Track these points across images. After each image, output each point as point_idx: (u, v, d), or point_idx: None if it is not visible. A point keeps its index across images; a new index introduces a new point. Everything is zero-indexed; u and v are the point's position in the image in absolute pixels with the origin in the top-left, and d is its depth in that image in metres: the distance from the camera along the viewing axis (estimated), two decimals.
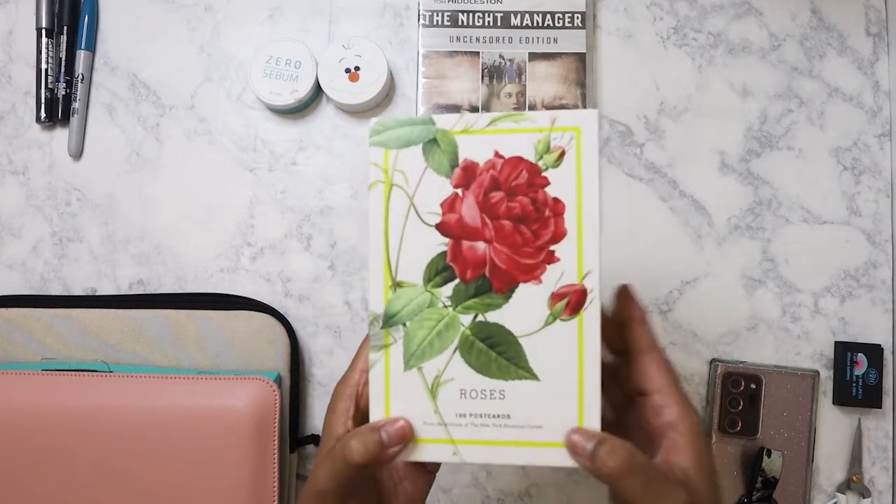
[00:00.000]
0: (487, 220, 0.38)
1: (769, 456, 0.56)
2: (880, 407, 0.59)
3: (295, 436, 0.58)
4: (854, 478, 0.59)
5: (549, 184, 0.38)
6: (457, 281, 0.38)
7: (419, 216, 0.38)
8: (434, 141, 0.38)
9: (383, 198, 0.39)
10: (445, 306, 0.38)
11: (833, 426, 0.60)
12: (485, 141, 0.38)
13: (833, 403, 0.60)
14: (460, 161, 0.38)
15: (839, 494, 0.59)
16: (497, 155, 0.38)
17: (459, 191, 0.38)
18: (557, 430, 0.38)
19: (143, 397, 0.54)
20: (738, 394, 0.59)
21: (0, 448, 0.53)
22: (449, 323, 0.38)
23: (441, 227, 0.38)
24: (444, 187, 0.38)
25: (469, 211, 0.38)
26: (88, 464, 0.53)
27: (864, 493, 0.59)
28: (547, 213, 0.38)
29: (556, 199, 0.38)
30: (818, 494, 0.60)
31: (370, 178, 0.39)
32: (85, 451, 0.53)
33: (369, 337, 0.39)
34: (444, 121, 0.38)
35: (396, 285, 0.39)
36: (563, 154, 0.38)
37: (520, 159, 0.38)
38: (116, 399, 0.54)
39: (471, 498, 0.60)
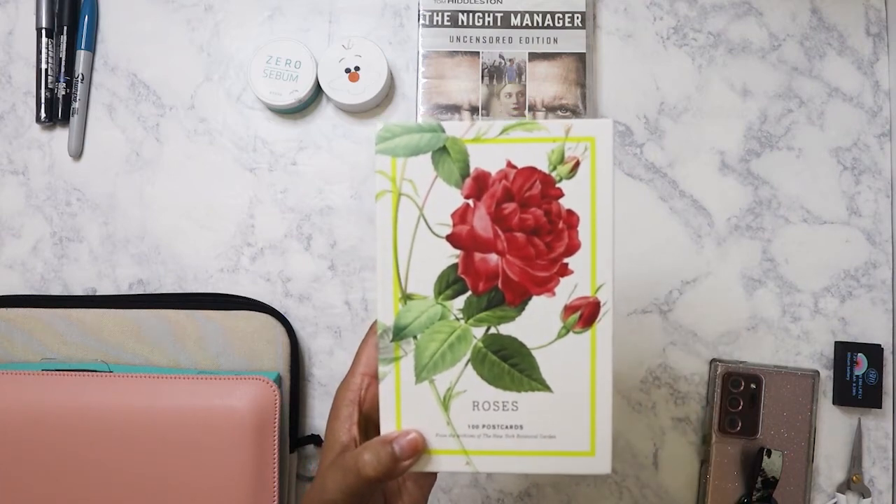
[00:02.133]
0: (500, 232, 0.38)
1: (769, 456, 0.56)
2: (880, 407, 0.59)
3: (295, 436, 0.58)
4: (854, 478, 0.59)
5: (562, 195, 0.37)
6: (468, 293, 0.38)
7: (429, 227, 0.38)
8: (444, 149, 0.38)
9: (391, 208, 0.38)
10: (457, 319, 0.38)
11: (833, 426, 0.60)
12: (497, 150, 0.37)
13: (833, 403, 0.60)
14: (471, 170, 0.37)
15: (839, 494, 0.59)
16: (509, 165, 0.37)
17: (471, 201, 0.38)
18: (570, 440, 0.38)
19: (143, 397, 0.54)
20: (738, 394, 0.59)
21: (0, 448, 0.53)
22: (461, 336, 0.38)
23: (452, 239, 0.38)
24: (455, 197, 0.38)
25: (481, 222, 0.38)
26: (88, 464, 0.53)
27: (864, 493, 0.59)
28: (561, 225, 0.37)
29: (570, 211, 0.37)
30: (818, 494, 0.60)
31: (377, 186, 0.38)
32: (85, 451, 0.53)
33: (378, 349, 0.39)
34: (455, 128, 0.38)
35: (406, 297, 0.38)
36: (577, 165, 0.37)
37: (533, 170, 0.37)
38: (116, 399, 0.54)
39: (471, 498, 0.60)
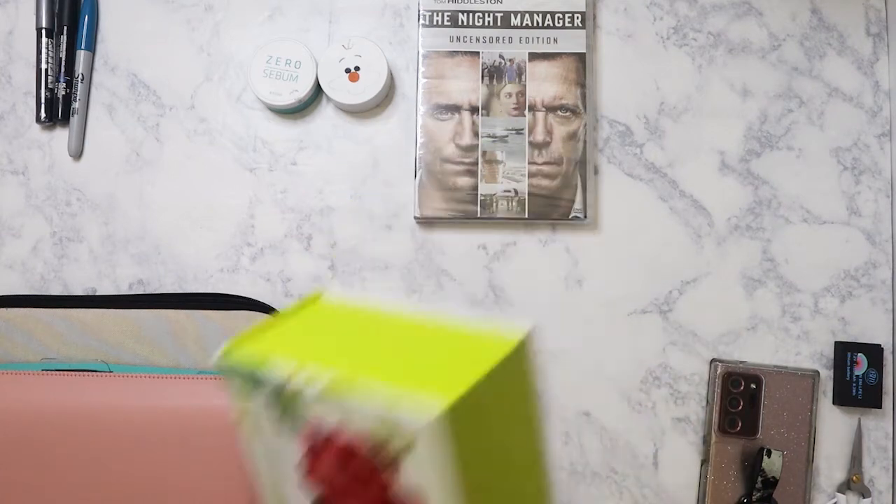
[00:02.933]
0: None
1: (769, 456, 0.56)
2: (880, 407, 0.59)
3: None
4: (854, 478, 0.59)
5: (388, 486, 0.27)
6: None
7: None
8: (272, 402, 0.30)
9: (248, 435, 0.32)
10: None
11: (833, 426, 0.60)
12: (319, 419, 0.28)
13: (833, 403, 0.60)
14: (299, 432, 0.29)
15: (839, 494, 0.59)
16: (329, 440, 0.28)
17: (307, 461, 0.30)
18: None
19: (143, 397, 0.54)
20: (738, 394, 0.59)
21: (0, 448, 0.53)
22: None
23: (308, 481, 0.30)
24: (294, 450, 0.30)
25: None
26: (88, 464, 0.53)
27: (864, 493, 0.59)
28: None
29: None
30: (818, 494, 0.60)
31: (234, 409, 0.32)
32: (85, 451, 0.53)
33: None
34: (273, 378, 0.29)
35: None
36: (398, 460, 0.27)
37: (352, 452, 0.28)
38: (116, 399, 0.54)
39: None
